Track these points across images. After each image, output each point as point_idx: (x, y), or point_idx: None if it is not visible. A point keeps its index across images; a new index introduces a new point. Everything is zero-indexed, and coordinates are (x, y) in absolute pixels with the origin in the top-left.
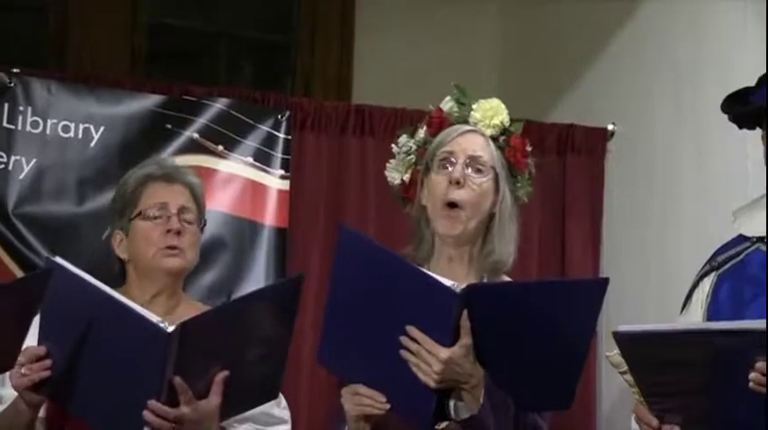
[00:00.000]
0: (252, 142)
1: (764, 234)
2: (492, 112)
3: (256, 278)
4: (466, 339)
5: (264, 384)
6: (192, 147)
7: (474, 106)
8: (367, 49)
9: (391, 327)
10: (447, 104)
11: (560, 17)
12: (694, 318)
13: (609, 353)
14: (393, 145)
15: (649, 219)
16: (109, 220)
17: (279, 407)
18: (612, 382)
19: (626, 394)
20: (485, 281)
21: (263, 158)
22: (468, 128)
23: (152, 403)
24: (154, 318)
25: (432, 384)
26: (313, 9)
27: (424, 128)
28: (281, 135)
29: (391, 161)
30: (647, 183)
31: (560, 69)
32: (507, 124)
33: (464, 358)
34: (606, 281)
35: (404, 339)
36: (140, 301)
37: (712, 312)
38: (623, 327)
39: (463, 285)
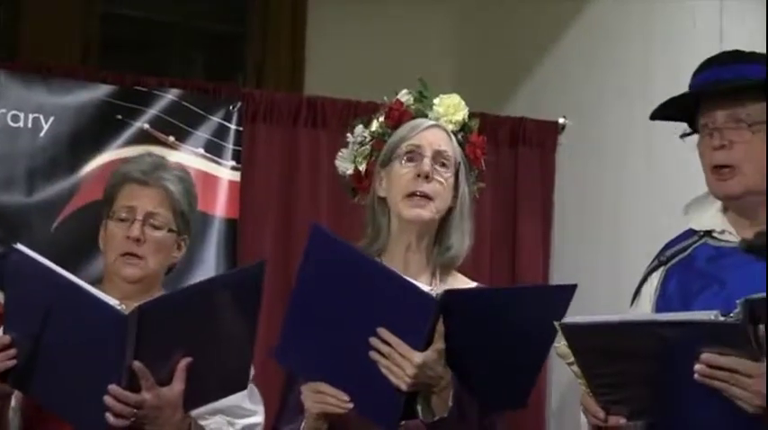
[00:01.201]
0: (203, 133)
1: (710, 228)
2: (454, 108)
3: (207, 269)
4: (440, 344)
5: (231, 374)
6: (143, 138)
7: (436, 101)
8: (320, 40)
9: (360, 329)
10: (404, 97)
11: (514, 12)
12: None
13: (556, 344)
14: (348, 134)
15: (599, 212)
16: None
17: (251, 400)
18: (562, 373)
19: (575, 385)
20: (438, 275)
21: (214, 149)
22: (432, 122)
23: (113, 388)
24: (111, 301)
25: (404, 387)
26: (265, 0)
27: (381, 119)
28: (233, 126)
29: (343, 151)
30: (598, 176)
31: (513, 63)
32: (467, 120)
33: (436, 362)
34: (574, 287)
35: (374, 341)
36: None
37: (660, 305)
38: (570, 319)
39: (440, 291)
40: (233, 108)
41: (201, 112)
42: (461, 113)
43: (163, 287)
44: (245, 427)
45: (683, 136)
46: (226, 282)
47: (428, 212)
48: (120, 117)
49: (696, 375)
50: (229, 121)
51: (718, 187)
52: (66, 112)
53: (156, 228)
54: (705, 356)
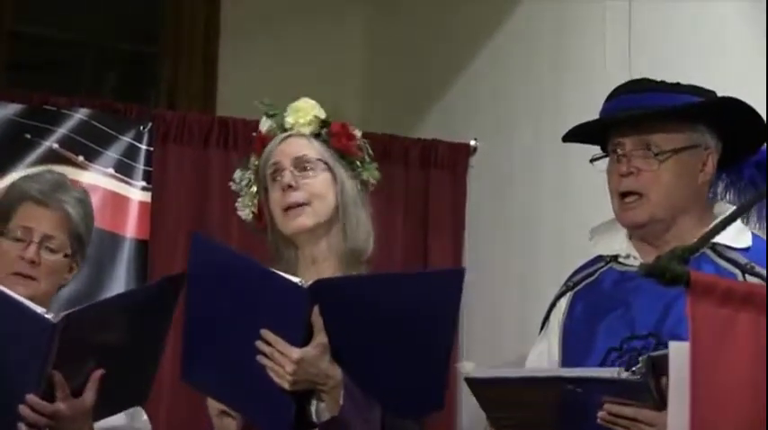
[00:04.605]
0: (113, 153)
1: (617, 253)
2: (304, 112)
3: (117, 290)
4: (320, 337)
5: (136, 386)
6: (52, 158)
7: (286, 113)
8: (232, 61)
9: (249, 333)
10: (265, 125)
11: (425, 33)
12: (552, 338)
13: (458, 364)
14: (231, 183)
15: (511, 234)
16: None
17: (140, 420)
18: None
19: None
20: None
21: (124, 170)
22: (284, 135)
23: (30, 398)
24: (39, 308)
25: (286, 386)
26: (177, 20)
27: (253, 156)
28: (143, 146)
29: (238, 200)
30: (509, 199)
31: (425, 85)
32: (323, 116)
33: (319, 358)
34: (462, 271)
35: (259, 343)
36: None
37: (567, 329)
38: (476, 373)
39: (311, 281)
40: (143, 128)
41: (112, 132)
42: (311, 113)
43: (52, 307)
44: None
45: (593, 160)
46: (148, 292)
47: (309, 219)
48: (28, 136)
49: (599, 420)
50: (140, 142)
51: (624, 216)
52: None
53: (52, 251)
54: (608, 406)
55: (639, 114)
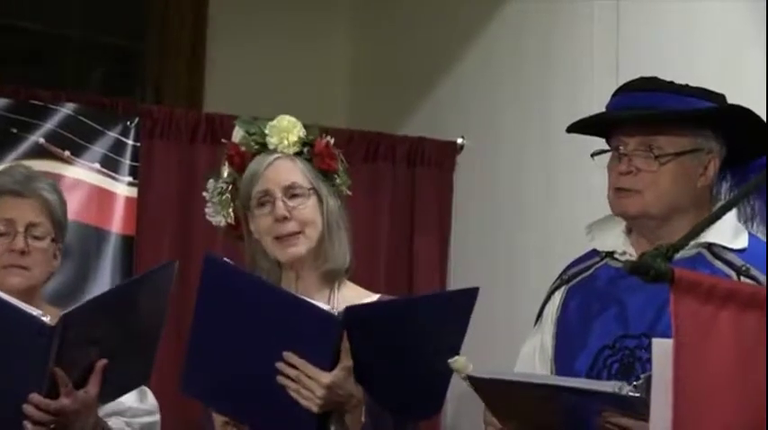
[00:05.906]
0: (99, 148)
1: (612, 249)
2: (287, 132)
3: (102, 285)
4: (346, 361)
5: (138, 368)
6: (38, 152)
7: (267, 130)
8: (219, 58)
9: (265, 354)
10: (238, 136)
11: (412, 31)
12: (546, 332)
13: (451, 360)
14: (204, 193)
15: (496, 232)
16: None
17: (144, 401)
18: (458, 383)
19: (471, 395)
20: (337, 292)
21: (110, 165)
22: (272, 157)
23: (33, 396)
24: (34, 311)
25: (315, 409)
26: (164, 16)
27: (226, 165)
28: (130, 142)
29: (209, 205)
30: (495, 196)
31: (411, 83)
32: (305, 136)
33: (345, 380)
34: (476, 290)
35: (281, 365)
36: None
37: (561, 324)
38: (477, 373)
39: (341, 309)
40: (130, 123)
41: (98, 127)
42: (295, 133)
43: (44, 298)
44: (142, 426)
45: (595, 154)
46: (142, 283)
47: (302, 247)
48: (14, 131)
49: (596, 427)
50: (127, 137)
51: (617, 204)
52: None
53: (38, 238)
54: (606, 415)
55: (645, 115)
